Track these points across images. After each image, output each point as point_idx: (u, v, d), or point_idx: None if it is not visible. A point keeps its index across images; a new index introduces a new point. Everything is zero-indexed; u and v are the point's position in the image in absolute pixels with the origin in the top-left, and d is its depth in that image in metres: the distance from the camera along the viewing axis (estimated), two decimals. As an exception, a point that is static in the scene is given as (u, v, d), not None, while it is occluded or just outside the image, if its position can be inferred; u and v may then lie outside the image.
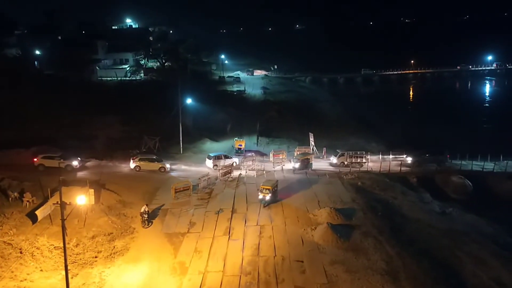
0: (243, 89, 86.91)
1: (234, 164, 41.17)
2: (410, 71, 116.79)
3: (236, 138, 49.92)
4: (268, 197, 30.81)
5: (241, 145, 49.90)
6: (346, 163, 42.14)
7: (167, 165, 40.05)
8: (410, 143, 48.76)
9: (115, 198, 32.03)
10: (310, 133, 49.52)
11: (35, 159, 36.82)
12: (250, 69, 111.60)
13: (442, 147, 45.01)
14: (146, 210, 28.83)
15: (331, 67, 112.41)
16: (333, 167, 41.93)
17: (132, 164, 39.21)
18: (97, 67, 74.04)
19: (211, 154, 42.27)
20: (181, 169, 40.90)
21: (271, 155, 44.37)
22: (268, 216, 30.12)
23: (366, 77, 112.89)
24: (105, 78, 71.92)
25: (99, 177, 35.07)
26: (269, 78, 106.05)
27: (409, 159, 43.68)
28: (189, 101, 47.32)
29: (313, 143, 48.22)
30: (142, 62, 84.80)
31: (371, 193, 35.61)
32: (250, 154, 45.19)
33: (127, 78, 74.97)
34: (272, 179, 33.62)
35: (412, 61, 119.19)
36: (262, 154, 48.04)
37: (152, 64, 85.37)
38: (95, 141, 44.08)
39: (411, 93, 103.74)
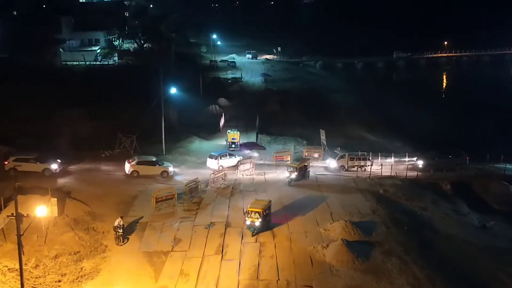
0: (240, 76, 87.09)
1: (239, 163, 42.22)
2: (443, 55, 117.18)
3: (230, 131, 50.31)
4: (257, 223, 28.63)
5: (235, 139, 50.34)
6: (346, 167, 42.24)
7: (171, 169, 40.49)
8: (440, 143, 49.12)
9: (83, 209, 32.08)
10: (321, 130, 49.71)
11: (6, 162, 37.15)
12: (252, 52, 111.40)
13: (460, 147, 45.43)
14: (121, 223, 28.85)
15: (347, 49, 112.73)
16: (331, 173, 41.80)
17: (128, 169, 39.55)
18: (60, 49, 73.98)
19: (214, 153, 43.23)
20: (188, 172, 41.34)
21: (273, 157, 44.42)
22: (269, 231, 30.20)
23: (389, 62, 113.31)
24: (71, 63, 71.85)
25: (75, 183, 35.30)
26: (271, 63, 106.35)
27: (420, 162, 43.96)
28: (173, 90, 47.39)
29: (324, 142, 48.33)
30: (116, 43, 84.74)
31: (396, 202, 35.76)
32: (247, 151, 45.56)
33: (98, 63, 75.02)
34: (263, 199, 31.31)
35: (445, 43, 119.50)
36: (260, 147, 48.50)
37: (128, 45, 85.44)
38: (58, 140, 44.10)
39: (444, 81, 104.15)
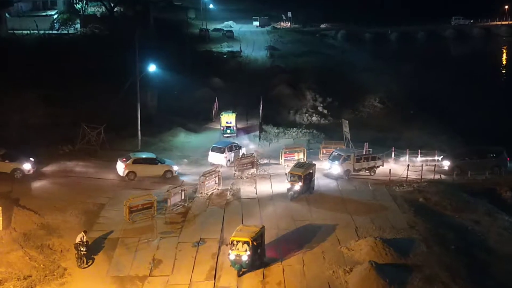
0: (238, 49, 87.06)
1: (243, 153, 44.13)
2: (503, 22, 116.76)
3: (223, 112, 51.38)
4: (245, 257, 27.15)
5: (230, 122, 51.44)
6: (352, 171, 41.60)
7: (175, 167, 41.42)
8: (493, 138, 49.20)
9: (36, 221, 32.10)
10: (343, 120, 49.77)
11: None
12: (262, 18, 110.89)
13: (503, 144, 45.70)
14: (84, 240, 28.88)
15: (377, 15, 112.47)
16: (333, 179, 40.99)
17: (121, 170, 40.19)
18: (6, 14, 73.90)
19: (218, 145, 44.94)
20: (193, 171, 41.90)
21: (281, 154, 44.49)
22: (274, 250, 30.07)
23: (432, 32, 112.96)
24: (20, 32, 71.87)
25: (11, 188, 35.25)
26: (279, 33, 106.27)
27: (445, 163, 44.11)
28: (152, 68, 47.34)
29: (348, 136, 48.33)
30: (78, 6, 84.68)
31: (440, 214, 35.74)
32: (245, 139, 46.14)
33: (55, 32, 75.00)
34: (253, 225, 29.78)
35: (506, 7, 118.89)
36: (261, 129, 49.51)
37: (94, 9, 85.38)
38: (2, 130, 44.19)
39: (504, 57, 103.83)
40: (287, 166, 42.86)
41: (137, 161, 40.59)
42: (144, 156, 41.70)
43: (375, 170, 42.29)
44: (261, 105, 58.66)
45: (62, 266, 28.57)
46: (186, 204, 35.80)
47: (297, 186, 36.27)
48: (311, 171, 37.63)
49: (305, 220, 33.74)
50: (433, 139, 52.63)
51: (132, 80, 46.60)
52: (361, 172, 42.07)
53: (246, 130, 52.58)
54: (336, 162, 41.47)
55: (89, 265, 28.79)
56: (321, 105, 63.52)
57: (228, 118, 51.11)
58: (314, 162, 39.66)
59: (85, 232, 29.48)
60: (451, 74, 78.04)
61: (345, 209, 35.65)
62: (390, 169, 42.36)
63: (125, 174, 40.03)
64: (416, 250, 30.36)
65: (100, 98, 51.20)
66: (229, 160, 43.76)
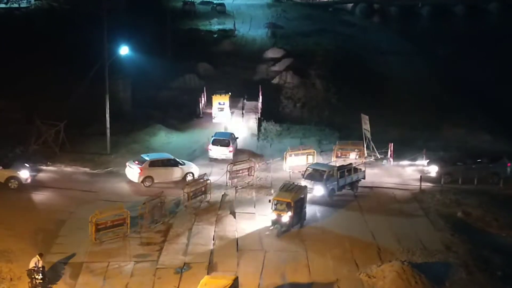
0: (232, 27, 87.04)
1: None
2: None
3: (216, 93, 53.93)
4: None
5: (223, 103, 53.16)
6: (336, 190, 40.22)
7: (194, 169, 42.90)
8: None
9: (-21, 242, 32.05)
10: (362, 116, 49.94)
11: None
12: None
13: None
14: (40, 265, 28.79)
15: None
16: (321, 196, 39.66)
17: (136, 175, 40.99)
18: None
19: (220, 137, 47.69)
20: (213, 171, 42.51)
21: (285, 157, 44.59)
22: (280, 275, 30.25)
23: (475, 6, 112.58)
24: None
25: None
26: (283, 6, 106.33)
27: (432, 169, 44.45)
28: (124, 51, 47.31)
29: (368, 134, 48.37)
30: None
31: (483, 232, 35.77)
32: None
33: (3, 6, 74.92)
34: (222, 277, 27.39)
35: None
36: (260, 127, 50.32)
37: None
38: None
39: None
40: (292, 172, 42.93)
41: (154, 164, 41.63)
42: (161, 158, 42.67)
43: (357, 186, 41.36)
44: (260, 97, 58.71)
45: (11, 298, 28.40)
46: (167, 220, 35.71)
47: (286, 217, 34.23)
48: (302, 196, 35.85)
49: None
50: (473, 139, 52.79)
51: (100, 66, 46.57)
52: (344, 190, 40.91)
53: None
54: (318, 181, 39.57)
55: (46, 297, 28.63)
56: (335, 96, 63.55)
57: (220, 99, 51.96)
58: (304, 184, 38.20)
59: (40, 255, 29.24)
60: (501, 59, 77.62)
61: (365, 225, 35.66)
62: (421, 176, 42.42)
63: (140, 180, 40.76)
64: (453, 277, 30.30)
65: (60, 88, 51.16)
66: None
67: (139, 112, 55.41)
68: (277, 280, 29.87)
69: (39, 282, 28.41)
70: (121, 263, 31.31)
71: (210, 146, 46.94)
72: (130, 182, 41.51)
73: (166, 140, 50.91)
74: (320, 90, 65.05)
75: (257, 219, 36.34)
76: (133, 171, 41.33)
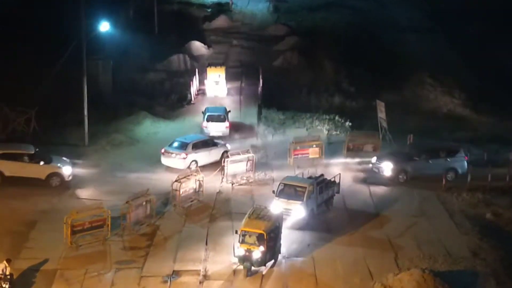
0: (228, 0, 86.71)
1: None
2: None
3: (211, 65, 56.65)
4: None
5: (218, 76, 55.87)
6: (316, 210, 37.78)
7: (228, 147, 45.91)
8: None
9: None
10: (378, 102, 50.19)
11: None
12: None
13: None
14: (7, 272, 28.80)
15: None
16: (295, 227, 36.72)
17: (179, 161, 43.23)
18: None
19: (215, 112, 50.37)
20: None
21: (289, 150, 44.76)
22: (282, 285, 30.35)
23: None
24: None
25: None
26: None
27: (386, 166, 43.58)
28: (104, 27, 47.27)
29: (384, 124, 48.41)
30: None
31: (516, 237, 35.79)
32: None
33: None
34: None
35: None
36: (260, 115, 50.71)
37: None
38: None
39: None
40: (298, 167, 42.88)
41: (197, 146, 44.14)
42: (200, 139, 45.52)
43: (332, 202, 39.06)
44: (261, 81, 58.61)
45: (-25, 311, 28.49)
46: (153, 222, 35.71)
47: (257, 253, 30.54)
48: (277, 224, 32.23)
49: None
50: (505, 130, 52.82)
51: (76, 45, 46.49)
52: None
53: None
54: (296, 200, 36.52)
55: (14, 309, 28.66)
56: (347, 80, 63.49)
57: (215, 71, 54.51)
58: (279, 205, 35.41)
59: (8, 261, 29.20)
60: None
61: (380, 227, 35.78)
62: (444, 174, 42.44)
63: (187, 166, 42.57)
64: (481, 286, 30.28)
65: (30, 70, 51.06)
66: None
67: (122, 98, 55.29)
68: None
69: (5, 293, 28.49)
70: (100, 271, 31.19)
71: (205, 123, 49.52)
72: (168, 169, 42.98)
73: (152, 129, 50.89)
74: (329, 72, 64.96)
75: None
76: (175, 158, 43.26)
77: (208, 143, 45.38)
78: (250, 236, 30.70)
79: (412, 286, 29.43)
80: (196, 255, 32.63)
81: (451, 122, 54.65)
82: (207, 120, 49.45)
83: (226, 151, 44.96)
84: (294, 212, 35.85)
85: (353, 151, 45.79)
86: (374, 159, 44.54)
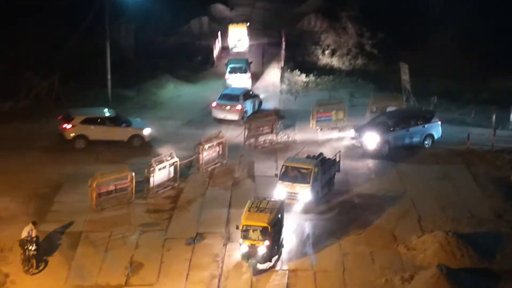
0: None
1: None
2: None
3: (233, 24, 57.66)
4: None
5: (240, 33, 56.53)
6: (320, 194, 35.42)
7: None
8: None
9: (-38, 209, 32.40)
10: (401, 64, 49.79)
11: (67, 125, 40.47)
12: None
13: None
14: (33, 235, 29.01)
15: None
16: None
17: (233, 113, 45.90)
18: None
19: (238, 64, 51.94)
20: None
21: (312, 113, 44.63)
22: (304, 246, 30.38)
23: None
24: None
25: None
26: None
27: (369, 138, 41.19)
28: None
29: (408, 86, 48.10)
30: None
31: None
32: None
33: None
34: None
35: None
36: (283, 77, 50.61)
37: None
38: None
39: None
40: (320, 130, 42.80)
41: (246, 97, 47.00)
42: (245, 90, 48.10)
43: (333, 182, 36.41)
44: (283, 44, 58.31)
45: (2, 271, 28.62)
46: (176, 185, 35.83)
47: (263, 248, 28.33)
48: (280, 215, 29.76)
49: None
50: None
51: (98, 9, 46.33)
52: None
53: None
54: (301, 182, 33.99)
55: (41, 270, 28.80)
56: (370, 42, 63.03)
57: (238, 26, 54.87)
58: (279, 199, 31.31)
59: (34, 223, 29.45)
60: None
61: (403, 190, 35.62)
62: (469, 134, 42.14)
63: (241, 117, 45.84)
64: (505, 249, 30.24)
65: (52, 34, 51.02)
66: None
67: (144, 61, 55.24)
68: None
69: (33, 254, 28.60)
70: (125, 233, 31.56)
71: (227, 75, 51.76)
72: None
73: (175, 93, 50.92)
74: (352, 35, 64.53)
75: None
76: (229, 110, 45.69)
77: (251, 93, 47.91)
78: (253, 230, 28.43)
79: (435, 248, 29.52)
80: (219, 218, 32.82)
81: (475, 84, 54.09)
82: (230, 73, 51.25)
83: (261, 101, 48.19)
84: (301, 196, 33.64)
85: (376, 113, 45.53)
86: (352, 132, 42.30)
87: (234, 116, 45.65)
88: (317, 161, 34.73)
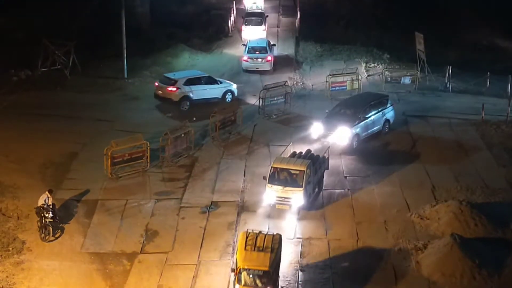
0: None
1: None
2: None
3: None
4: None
5: (258, 6, 57.44)
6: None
7: None
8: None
9: (-20, 176, 32.59)
10: (416, 34, 49.60)
11: (173, 88, 42.20)
12: None
13: None
14: (50, 202, 29.13)
15: None
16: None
17: (263, 64, 49.62)
18: None
19: (249, 17, 55.03)
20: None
21: (327, 82, 44.43)
22: (319, 217, 30.54)
23: None
24: None
25: None
26: None
27: (341, 133, 36.85)
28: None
29: (423, 56, 47.86)
30: None
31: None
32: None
33: None
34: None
35: None
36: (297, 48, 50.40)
37: None
38: None
39: None
40: (335, 100, 42.60)
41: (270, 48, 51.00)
42: (264, 42, 51.52)
43: (323, 181, 33.33)
44: (298, 14, 58.05)
45: (19, 239, 28.82)
46: (191, 153, 35.86)
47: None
48: (279, 251, 25.12)
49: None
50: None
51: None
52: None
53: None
54: (292, 186, 30.43)
55: (57, 238, 29.00)
56: (385, 12, 62.53)
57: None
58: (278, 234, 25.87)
59: (50, 191, 29.61)
60: None
61: (418, 159, 35.55)
62: (483, 104, 41.87)
63: (271, 67, 50.02)
64: (518, 219, 30.16)
65: (69, 3, 50.90)
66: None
67: (159, 30, 55.09)
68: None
69: (49, 221, 28.80)
70: (140, 201, 31.75)
71: (243, 27, 54.95)
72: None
73: (190, 62, 50.83)
74: (367, 4, 63.92)
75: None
76: (260, 62, 49.43)
77: (272, 44, 51.68)
78: (250, 275, 23.80)
79: (449, 217, 29.50)
80: (234, 187, 32.91)
81: (491, 54, 53.66)
82: (245, 24, 53.94)
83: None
84: (294, 201, 30.25)
85: (390, 83, 45.33)
86: (319, 128, 37.47)
87: (266, 67, 49.07)
88: (309, 161, 30.97)
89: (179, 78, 42.66)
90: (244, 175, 33.97)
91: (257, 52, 49.48)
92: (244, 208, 31.08)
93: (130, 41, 46.73)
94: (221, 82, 44.27)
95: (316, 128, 37.41)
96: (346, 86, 44.32)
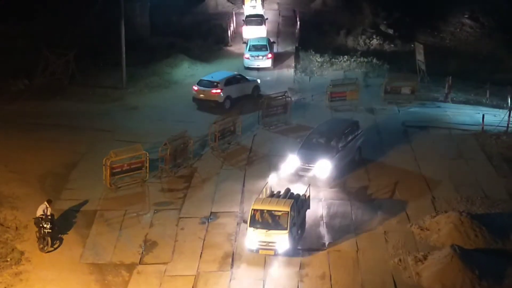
0: None
1: None
2: None
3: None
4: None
5: (255, 1, 59.27)
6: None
7: None
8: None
9: (-21, 186, 32.52)
10: (416, 44, 49.76)
11: (216, 90, 44.04)
12: None
13: None
14: (48, 213, 29.11)
15: None
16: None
17: (265, 61, 52.08)
18: None
19: (249, 17, 56.08)
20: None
21: (326, 93, 44.65)
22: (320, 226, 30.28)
23: None
24: None
25: None
26: None
27: (321, 169, 34.28)
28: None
29: (423, 66, 47.97)
30: None
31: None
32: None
33: None
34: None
35: None
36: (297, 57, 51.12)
37: None
38: None
39: None
40: (334, 110, 42.62)
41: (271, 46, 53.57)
42: (265, 40, 54.07)
43: (305, 223, 30.82)
44: (298, 23, 58.13)
45: (17, 249, 28.79)
46: (191, 164, 35.86)
47: None
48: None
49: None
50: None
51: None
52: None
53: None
54: (277, 229, 28.13)
55: (56, 248, 28.99)
56: (385, 22, 62.68)
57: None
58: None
59: (49, 202, 29.63)
60: None
61: (418, 170, 35.49)
62: (483, 115, 41.86)
63: (272, 63, 52.32)
64: (519, 230, 30.09)
65: (68, 12, 50.96)
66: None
67: (159, 40, 55.11)
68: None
69: (48, 232, 28.76)
70: (139, 212, 31.74)
71: (244, 27, 56.93)
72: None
73: (189, 72, 50.87)
74: (367, 14, 64.05)
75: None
76: (262, 59, 51.54)
77: (272, 41, 54.08)
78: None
79: (449, 228, 29.46)
80: (233, 197, 32.87)
81: (491, 64, 53.66)
82: (245, 24, 56.44)
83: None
84: (279, 245, 27.97)
85: (390, 93, 45.34)
86: (295, 163, 34.50)
87: (267, 64, 51.50)
88: (292, 201, 28.74)
89: (220, 80, 44.60)
90: (243, 186, 33.89)
91: (258, 50, 51.67)
92: (243, 218, 30.87)
93: (129, 51, 46.78)
94: (249, 80, 46.83)
95: (291, 162, 34.56)
96: (346, 96, 44.25)
